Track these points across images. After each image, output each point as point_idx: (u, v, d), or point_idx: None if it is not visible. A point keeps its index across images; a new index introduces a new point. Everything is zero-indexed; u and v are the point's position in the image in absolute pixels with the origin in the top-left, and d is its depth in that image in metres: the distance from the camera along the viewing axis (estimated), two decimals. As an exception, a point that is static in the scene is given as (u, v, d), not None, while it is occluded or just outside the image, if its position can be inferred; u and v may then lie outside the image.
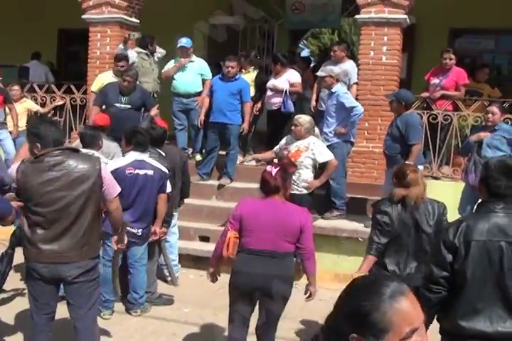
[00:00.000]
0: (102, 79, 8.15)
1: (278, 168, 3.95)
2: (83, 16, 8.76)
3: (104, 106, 7.56)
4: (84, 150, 4.72)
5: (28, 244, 3.72)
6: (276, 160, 4.17)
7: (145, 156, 5.37)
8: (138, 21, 8.94)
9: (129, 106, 7.43)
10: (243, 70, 8.74)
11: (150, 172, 5.29)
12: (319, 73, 7.35)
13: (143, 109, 7.62)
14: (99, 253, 4.05)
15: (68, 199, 3.64)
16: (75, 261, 3.70)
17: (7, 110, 8.45)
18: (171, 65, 8.34)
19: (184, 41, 8.10)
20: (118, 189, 3.92)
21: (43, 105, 9.33)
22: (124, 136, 5.51)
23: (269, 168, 3.99)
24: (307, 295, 4.11)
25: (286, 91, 8.15)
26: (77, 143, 5.90)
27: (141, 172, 5.26)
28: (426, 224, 4.10)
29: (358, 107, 6.87)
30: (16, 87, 8.90)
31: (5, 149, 8.19)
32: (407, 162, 5.97)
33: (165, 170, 5.41)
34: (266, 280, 3.82)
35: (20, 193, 3.72)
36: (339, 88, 7.07)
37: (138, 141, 5.33)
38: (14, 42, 11.60)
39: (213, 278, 4.20)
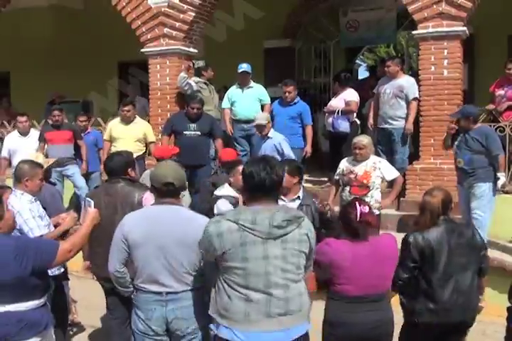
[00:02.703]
0: (110, 125, 8.45)
1: (367, 206, 3.67)
2: (142, 50, 8.97)
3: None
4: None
5: None
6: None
7: None
8: (196, 51, 9.09)
9: (199, 133, 7.57)
10: None
11: None
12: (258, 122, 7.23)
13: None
14: None
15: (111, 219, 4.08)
16: None
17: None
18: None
19: (245, 66, 8.16)
20: None
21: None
22: None
23: (362, 208, 3.60)
24: None
25: (338, 111, 8.07)
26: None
27: None
28: None
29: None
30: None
31: (76, 184, 8.39)
32: (498, 174, 6.20)
33: None
34: (373, 328, 3.54)
35: None
36: (273, 134, 7.14)
37: None
38: (74, 77, 11.98)
39: None
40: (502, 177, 6.28)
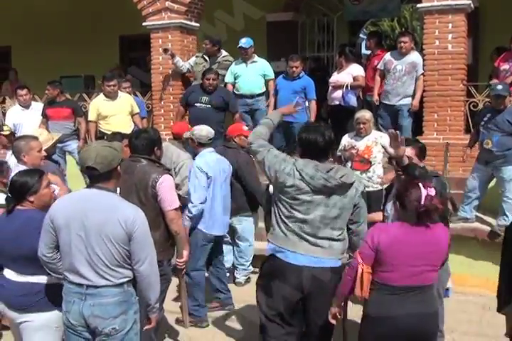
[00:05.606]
0: (95, 104, 8.05)
1: (432, 188, 3.21)
2: (144, 23, 8.88)
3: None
4: None
5: None
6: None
7: None
8: (198, 25, 9.01)
9: (210, 106, 7.49)
10: None
11: None
12: None
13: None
14: None
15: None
16: None
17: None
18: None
19: (243, 41, 8.09)
20: None
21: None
22: None
23: (428, 191, 3.18)
24: None
25: (347, 85, 8.05)
26: None
27: None
28: None
29: None
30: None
31: (77, 160, 8.35)
32: None
33: None
34: (420, 321, 3.24)
35: None
36: None
37: None
38: (76, 52, 11.87)
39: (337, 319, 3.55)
40: None
